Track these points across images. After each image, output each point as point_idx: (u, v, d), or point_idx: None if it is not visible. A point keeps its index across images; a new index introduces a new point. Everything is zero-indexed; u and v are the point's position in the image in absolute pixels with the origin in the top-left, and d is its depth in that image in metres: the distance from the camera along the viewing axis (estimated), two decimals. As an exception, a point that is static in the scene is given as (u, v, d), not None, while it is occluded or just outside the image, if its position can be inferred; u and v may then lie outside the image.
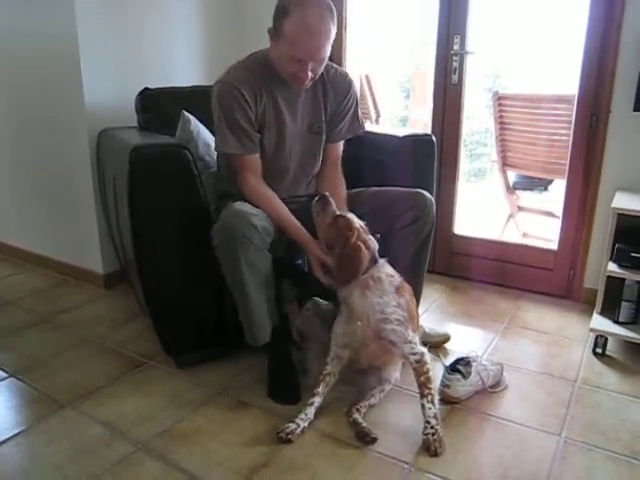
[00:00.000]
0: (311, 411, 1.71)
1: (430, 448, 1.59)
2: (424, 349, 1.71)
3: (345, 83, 2.02)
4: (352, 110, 2.05)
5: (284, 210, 1.88)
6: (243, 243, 1.70)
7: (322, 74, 1.94)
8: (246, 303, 1.80)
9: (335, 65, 2.03)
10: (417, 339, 1.73)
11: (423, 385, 1.66)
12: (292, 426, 1.66)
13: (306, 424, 1.69)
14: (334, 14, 1.76)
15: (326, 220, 1.76)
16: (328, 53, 1.79)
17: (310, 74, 1.79)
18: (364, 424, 1.69)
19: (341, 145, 2.10)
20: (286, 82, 1.87)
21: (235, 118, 1.83)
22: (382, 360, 1.83)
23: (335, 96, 2.00)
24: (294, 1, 1.72)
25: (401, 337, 1.69)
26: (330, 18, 1.74)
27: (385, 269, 1.75)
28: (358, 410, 1.74)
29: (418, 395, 1.67)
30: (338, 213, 1.77)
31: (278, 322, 1.89)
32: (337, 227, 1.73)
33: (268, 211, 1.84)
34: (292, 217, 1.87)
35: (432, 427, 1.61)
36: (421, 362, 1.68)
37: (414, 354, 1.69)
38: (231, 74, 1.86)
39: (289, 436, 1.64)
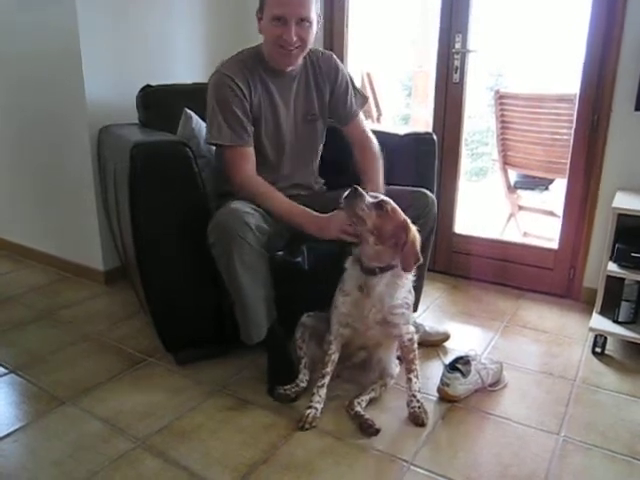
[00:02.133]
0: (323, 392, 1.75)
1: (418, 420, 1.71)
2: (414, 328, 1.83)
3: (332, 63, 2.05)
4: (350, 85, 2.08)
5: (282, 197, 1.87)
6: (237, 242, 1.70)
7: (311, 60, 1.99)
8: (241, 301, 1.80)
9: (320, 49, 2.08)
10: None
11: (411, 361, 1.79)
12: (311, 412, 1.70)
13: (322, 405, 1.73)
14: None
15: (371, 212, 1.62)
16: (311, 18, 1.81)
17: (295, 38, 1.80)
18: (367, 415, 1.70)
19: (360, 122, 2.09)
20: (278, 72, 1.90)
21: (231, 108, 1.84)
22: (377, 342, 1.84)
23: (327, 78, 2.03)
24: None
25: (403, 319, 1.75)
26: None
27: None
28: (359, 403, 1.75)
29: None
30: (376, 200, 1.64)
31: (275, 320, 1.89)
32: (388, 215, 1.64)
33: (266, 200, 1.84)
34: (292, 202, 1.86)
35: (418, 400, 1.75)
36: (412, 340, 1.80)
37: (408, 333, 1.79)
38: (225, 66, 1.89)
39: (312, 423, 1.69)
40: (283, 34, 1.79)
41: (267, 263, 1.82)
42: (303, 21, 1.80)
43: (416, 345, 1.81)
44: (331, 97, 2.04)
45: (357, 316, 1.74)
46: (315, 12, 1.83)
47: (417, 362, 1.80)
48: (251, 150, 1.90)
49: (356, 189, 1.62)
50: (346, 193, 1.63)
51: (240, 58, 1.92)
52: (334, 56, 2.07)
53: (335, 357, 1.79)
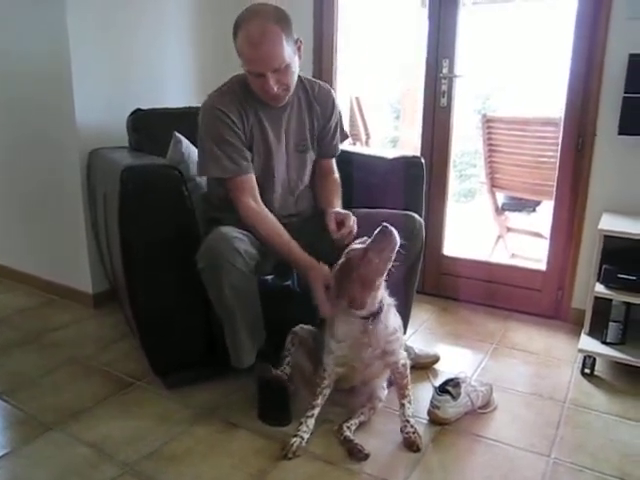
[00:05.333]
0: (311, 422, 1.72)
1: (413, 445, 1.69)
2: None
3: (330, 99, 2.05)
4: (338, 124, 2.10)
5: (285, 234, 1.84)
6: (226, 268, 1.69)
7: (305, 90, 1.98)
8: (231, 326, 1.80)
9: (317, 80, 2.08)
10: None
11: (405, 387, 1.77)
12: (297, 441, 1.67)
13: (308, 435, 1.70)
14: (283, 22, 1.75)
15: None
16: (286, 60, 1.76)
17: (276, 87, 1.79)
18: (356, 440, 1.69)
19: (333, 160, 2.13)
20: (267, 103, 1.89)
21: (227, 140, 1.83)
22: (376, 376, 1.84)
23: (322, 112, 2.03)
24: (240, 21, 1.76)
25: (398, 343, 1.75)
26: (275, 26, 1.72)
27: None
28: (348, 428, 1.74)
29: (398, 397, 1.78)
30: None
31: (264, 344, 1.88)
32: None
33: (268, 235, 1.82)
34: (294, 242, 1.82)
35: (412, 426, 1.73)
36: (405, 366, 1.78)
37: (402, 358, 1.77)
38: (215, 98, 1.87)
39: (297, 453, 1.65)
40: (264, 85, 1.78)
41: (256, 287, 1.82)
42: (279, 68, 1.76)
43: (409, 370, 1.79)
44: (320, 130, 2.04)
45: (354, 356, 1.71)
46: (291, 48, 1.77)
47: (410, 387, 1.78)
48: (251, 177, 1.88)
49: (389, 227, 1.54)
50: (378, 232, 1.54)
51: (229, 88, 1.89)
52: (332, 92, 2.07)
53: (327, 391, 1.75)
